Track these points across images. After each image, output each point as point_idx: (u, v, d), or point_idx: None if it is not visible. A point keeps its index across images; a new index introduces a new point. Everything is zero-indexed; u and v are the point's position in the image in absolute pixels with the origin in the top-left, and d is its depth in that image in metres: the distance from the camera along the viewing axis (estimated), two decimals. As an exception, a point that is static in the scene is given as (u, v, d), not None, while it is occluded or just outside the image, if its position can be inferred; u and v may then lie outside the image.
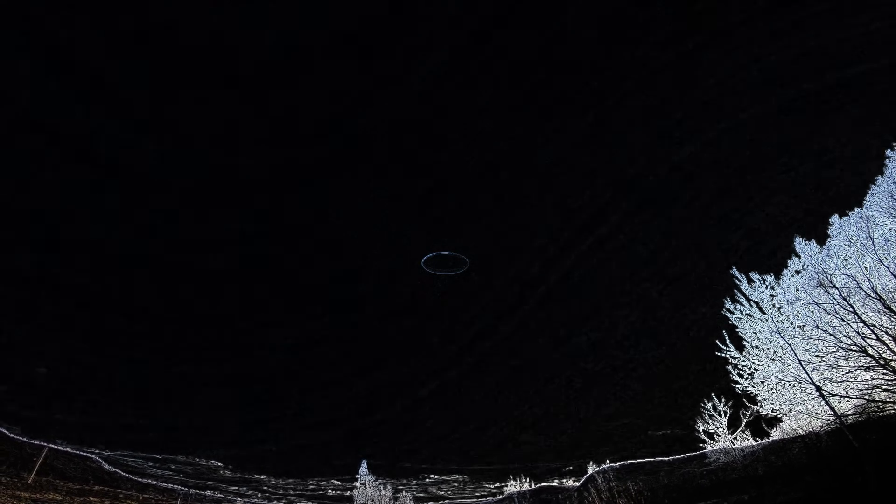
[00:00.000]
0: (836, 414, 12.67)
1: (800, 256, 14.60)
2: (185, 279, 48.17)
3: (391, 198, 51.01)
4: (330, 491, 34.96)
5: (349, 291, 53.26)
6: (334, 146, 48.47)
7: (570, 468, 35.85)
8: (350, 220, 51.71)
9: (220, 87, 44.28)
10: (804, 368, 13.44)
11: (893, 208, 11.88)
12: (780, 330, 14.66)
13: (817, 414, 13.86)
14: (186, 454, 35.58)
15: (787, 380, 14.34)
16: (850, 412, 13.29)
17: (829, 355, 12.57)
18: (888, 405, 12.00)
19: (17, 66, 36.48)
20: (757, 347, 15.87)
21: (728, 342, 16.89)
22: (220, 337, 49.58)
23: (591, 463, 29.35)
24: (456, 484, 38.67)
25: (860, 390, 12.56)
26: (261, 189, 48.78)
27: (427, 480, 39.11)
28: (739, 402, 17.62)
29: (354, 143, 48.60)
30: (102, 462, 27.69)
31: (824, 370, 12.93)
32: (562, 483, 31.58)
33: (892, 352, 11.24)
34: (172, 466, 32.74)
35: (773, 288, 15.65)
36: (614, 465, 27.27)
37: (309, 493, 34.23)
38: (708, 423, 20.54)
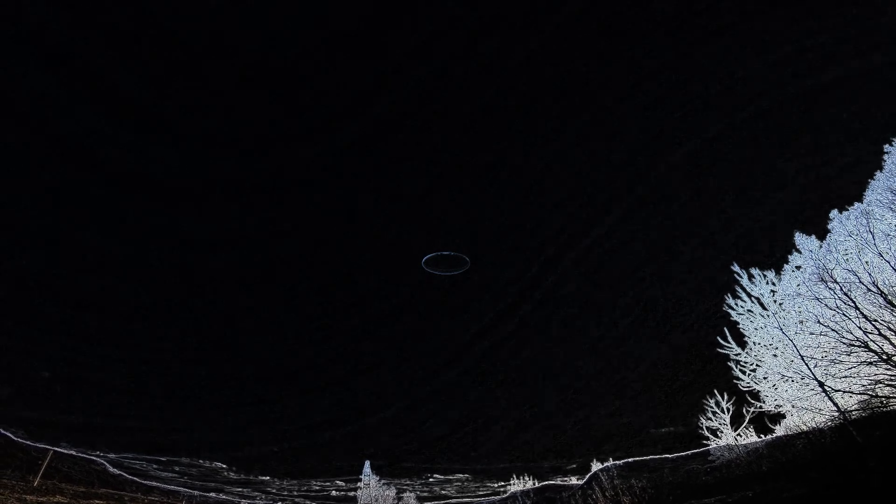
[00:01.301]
0: (839, 410, 12.67)
1: (800, 252, 14.62)
2: (185, 279, 48.28)
3: (391, 198, 51.08)
4: (334, 491, 34.97)
5: (349, 291, 53.31)
6: (334, 146, 48.55)
7: (574, 466, 35.86)
8: (350, 220, 51.76)
9: (219, 87, 44.36)
10: (806, 364, 13.45)
11: (893, 203, 11.90)
12: (781, 326, 14.66)
13: (821, 410, 13.84)
14: (190, 456, 35.63)
15: (790, 376, 14.33)
16: (853, 408, 13.26)
17: (831, 351, 12.56)
18: (892, 400, 12.00)
19: (17, 66, 36.54)
20: (759, 343, 15.86)
21: (730, 338, 16.90)
22: (220, 337, 49.66)
23: (595, 461, 29.32)
24: (459, 483, 38.66)
25: (863, 386, 12.55)
26: (261, 189, 48.89)
27: (430, 480, 39.11)
28: (742, 398, 17.63)
29: (354, 142, 48.65)
30: (107, 465, 27.75)
31: (827, 366, 12.92)
32: (566, 481, 31.58)
33: (895, 347, 11.25)
34: (177, 469, 32.78)
35: (774, 283, 15.65)
36: (618, 462, 27.26)
37: (313, 493, 34.24)
38: (711, 419, 20.54)
